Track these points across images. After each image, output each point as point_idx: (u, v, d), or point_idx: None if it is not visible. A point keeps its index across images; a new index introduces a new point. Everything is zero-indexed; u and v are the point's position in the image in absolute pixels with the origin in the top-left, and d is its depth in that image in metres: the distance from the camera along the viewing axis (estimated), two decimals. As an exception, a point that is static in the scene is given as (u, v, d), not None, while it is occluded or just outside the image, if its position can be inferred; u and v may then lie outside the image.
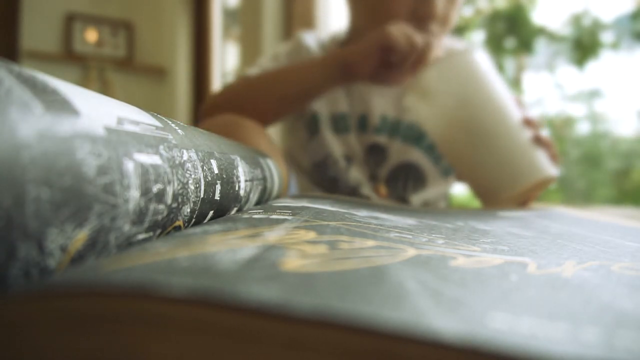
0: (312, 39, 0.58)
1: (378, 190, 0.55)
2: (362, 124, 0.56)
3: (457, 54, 0.40)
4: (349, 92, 0.56)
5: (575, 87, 1.24)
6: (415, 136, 0.55)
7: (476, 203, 0.45)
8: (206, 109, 0.50)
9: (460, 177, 0.44)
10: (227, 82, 0.55)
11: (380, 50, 0.42)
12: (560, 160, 0.42)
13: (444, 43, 0.57)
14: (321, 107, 0.55)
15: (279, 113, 0.50)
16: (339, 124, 0.56)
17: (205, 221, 0.17)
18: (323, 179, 0.57)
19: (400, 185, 0.56)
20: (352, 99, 0.56)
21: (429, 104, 0.40)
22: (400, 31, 0.42)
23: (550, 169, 0.38)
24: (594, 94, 1.21)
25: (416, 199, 0.56)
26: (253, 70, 0.54)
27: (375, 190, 0.55)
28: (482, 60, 0.40)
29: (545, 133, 0.39)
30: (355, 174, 0.55)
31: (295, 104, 0.49)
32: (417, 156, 0.55)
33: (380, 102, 0.55)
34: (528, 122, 0.39)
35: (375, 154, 0.56)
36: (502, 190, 0.38)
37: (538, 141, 0.38)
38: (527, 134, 0.38)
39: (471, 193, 0.44)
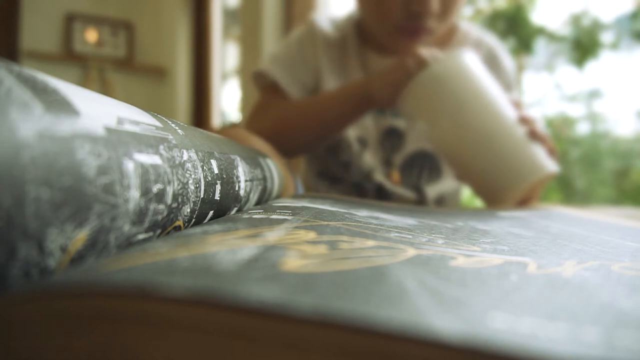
0: (326, 22, 0.57)
1: (391, 176, 0.55)
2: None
3: (444, 57, 0.40)
4: (367, 74, 0.55)
5: (574, 87, 1.24)
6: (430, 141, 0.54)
7: (476, 203, 0.45)
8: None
9: (462, 180, 0.44)
10: (255, 107, 0.56)
11: (396, 93, 0.42)
12: (558, 156, 0.41)
13: (467, 32, 0.56)
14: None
15: (315, 144, 0.53)
16: None
17: (205, 221, 0.17)
18: (336, 163, 0.56)
19: (415, 173, 0.55)
20: None
21: (422, 111, 0.41)
22: (408, 75, 0.41)
23: (550, 165, 0.38)
24: (593, 94, 1.21)
25: (431, 191, 0.55)
26: (267, 66, 0.54)
27: (388, 176, 0.55)
28: (471, 61, 0.40)
29: (541, 128, 0.39)
30: (369, 159, 0.55)
31: (327, 135, 0.51)
32: None
33: None
34: (523, 120, 0.38)
35: (392, 138, 0.55)
36: (505, 189, 0.38)
37: (534, 136, 0.38)
38: (522, 131, 0.38)
39: (472, 193, 0.44)
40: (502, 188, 0.38)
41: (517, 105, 0.41)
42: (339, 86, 0.51)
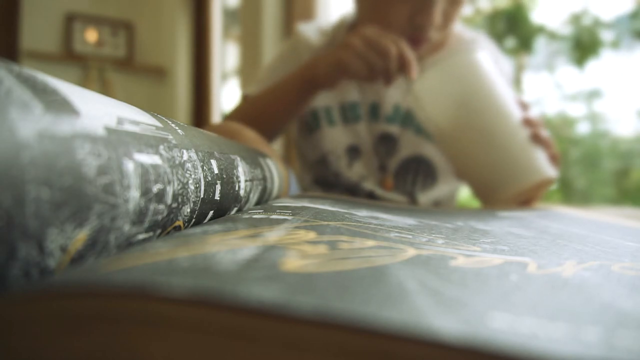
0: (312, 30, 0.58)
1: (384, 182, 0.55)
2: (374, 113, 0.55)
3: (457, 54, 0.40)
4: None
5: (575, 86, 1.24)
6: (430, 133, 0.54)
7: (476, 203, 0.45)
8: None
9: (460, 176, 0.44)
10: (232, 109, 0.57)
11: (339, 72, 0.43)
12: (560, 160, 0.41)
13: (461, 34, 0.56)
14: (328, 99, 0.55)
15: (274, 132, 0.51)
16: (349, 113, 0.55)
17: (205, 221, 0.17)
18: (326, 174, 0.57)
19: (410, 179, 0.55)
20: (364, 87, 0.55)
21: (429, 104, 0.40)
22: (354, 54, 0.42)
23: (548, 170, 0.38)
24: (593, 94, 1.21)
25: (424, 198, 0.55)
26: (252, 89, 0.55)
27: (381, 182, 0.55)
28: (483, 59, 0.40)
29: (545, 132, 0.39)
30: (358, 169, 0.55)
31: (282, 122, 0.51)
32: (429, 150, 0.54)
33: (394, 91, 0.54)
34: (528, 122, 0.38)
35: (385, 144, 0.55)
36: (500, 190, 0.38)
37: (537, 139, 0.38)
38: (525, 133, 0.38)
39: (470, 193, 0.44)
40: (498, 188, 0.38)
41: (524, 106, 0.41)
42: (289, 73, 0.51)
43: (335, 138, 0.55)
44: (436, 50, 0.54)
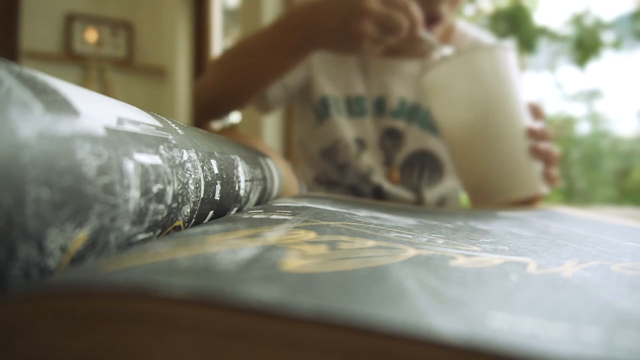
0: None
1: (391, 175, 0.54)
2: (379, 107, 0.54)
3: (477, 50, 0.38)
4: (365, 74, 0.54)
5: (575, 87, 1.24)
6: (435, 123, 0.51)
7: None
8: (196, 97, 0.52)
9: (456, 170, 0.44)
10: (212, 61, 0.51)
11: (350, 44, 0.36)
12: (556, 180, 0.39)
13: (465, 31, 0.55)
14: (334, 89, 0.54)
15: (252, 89, 0.46)
16: (354, 107, 0.54)
17: (205, 221, 0.17)
18: (331, 167, 0.55)
19: (416, 173, 0.54)
20: (370, 80, 0.54)
21: (440, 95, 0.40)
22: (371, 23, 0.35)
23: (538, 186, 0.37)
24: (594, 94, 1.21)
25: (430, 194, 0.54)
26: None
27: (387, 175, 0.54)
28: (503, 60, 0.38)
29: (547, 145, 0.38)
30: (367, 160, 0.54)
31: (265, 78, 0.45)
32: (435, 145, 0.54)
33: (400, 85, 0.53)
34: (532, 133, 0.37)
35: (391, 138, 0.54)
36: (489, 196, 0.38)
37: (535, 152, 0.37)
38: (526, 144, 0.37)
39: (464, 192, 0.44)
40: (488, 194, 0.38)
41: (537, 112, 0.39)
42: (280, 15, 0.43)
43: (345, 127, 0.54)
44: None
